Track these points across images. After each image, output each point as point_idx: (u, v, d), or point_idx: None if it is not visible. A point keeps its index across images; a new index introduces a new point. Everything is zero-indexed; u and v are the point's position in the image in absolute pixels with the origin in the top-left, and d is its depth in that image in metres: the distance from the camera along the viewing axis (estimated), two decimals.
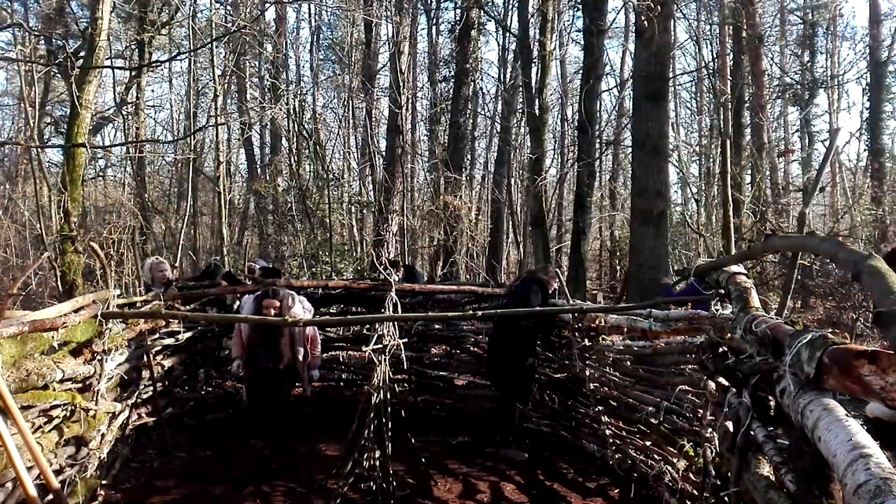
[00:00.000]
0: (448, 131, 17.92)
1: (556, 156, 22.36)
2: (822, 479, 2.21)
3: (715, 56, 18.98)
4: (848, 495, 1.50)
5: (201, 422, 6.52)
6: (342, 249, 17.11)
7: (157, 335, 5.89)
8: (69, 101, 9.18)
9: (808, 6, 19.37)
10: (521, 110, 17.48)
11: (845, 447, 1.64)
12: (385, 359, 5.09)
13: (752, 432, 2.79)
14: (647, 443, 4.83)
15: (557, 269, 7.63)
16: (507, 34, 18.29)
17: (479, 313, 5.70)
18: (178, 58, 16.46)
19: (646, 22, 9.48)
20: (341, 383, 7.98)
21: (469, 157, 21.12)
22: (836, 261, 2.04)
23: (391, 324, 5.29)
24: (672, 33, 15.06)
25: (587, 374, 5.48)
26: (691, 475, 4.19)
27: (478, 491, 4.99)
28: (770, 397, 2.63)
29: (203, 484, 5.06)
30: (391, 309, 5.56)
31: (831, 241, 1.98)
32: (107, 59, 10.15)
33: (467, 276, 17.26)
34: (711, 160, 18.35)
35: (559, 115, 22.88)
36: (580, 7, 15.75)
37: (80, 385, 4.13)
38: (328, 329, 7.71)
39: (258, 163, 22.32)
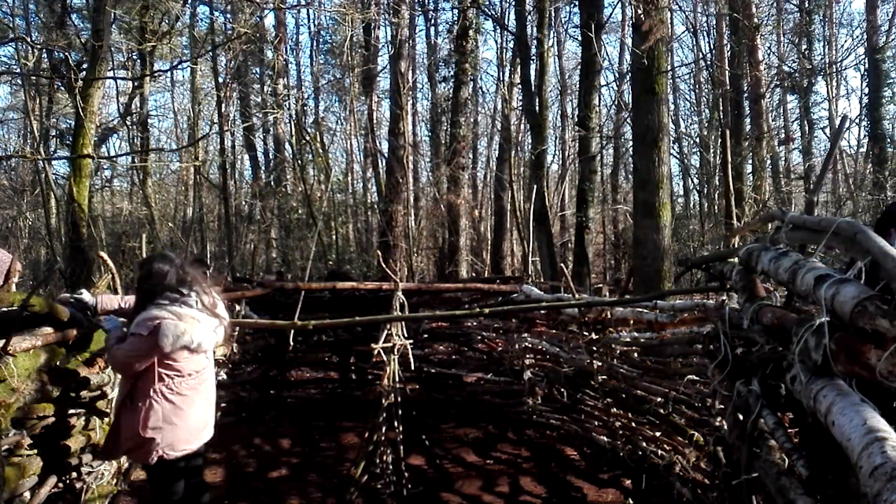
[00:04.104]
0: (449, 131, 17.95)
1: (556, 151, 22.43)
2: (834, 464, 2.25)
3: (712, 47, 18.97)
4: (864, 478, 1.52)
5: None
6: (348, 252, 17.17)
7: None
8: (74, 113, 9.25)
9: None
10: (520, 108, 17.51)
11: (860, 431, 1.66)
12: (395, 358, 5.15)
13: (761, 420, 2.82)
14: (657, 433, 4.88)
15: (562, 266, 7.68)
16: (505, 32, 18.32)
17: (487, 310, 5.76)
18: (180, 66, 16.54)
19: (643, 16, 9.52)
20: (352, 384, 8.04)
21: (471, 155, 21.17)
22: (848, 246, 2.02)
23: (399, 323, 5.34)
24: (669, 26, 15.08)
25: (595, 366, 5.51)
26: (702, 464, 4.23)
27: (496, 483, 5.06)
28: (780, 384, 2.66)
29: (242, 481, 5.20)
30: (398, 309, 5.61)
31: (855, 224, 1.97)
32: (109, 70, 10.22)
33: (472, 274, 17.29)
34: (712, 151, 18.35)
35: (559, 111, 22.95)
36: (577, 3, 15.76)
37: (95, 393, 4.18)
38: (338, 331, 7.76)
39: (262, 168, 22.42)
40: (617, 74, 22.22)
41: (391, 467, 4.87)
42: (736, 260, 3.33)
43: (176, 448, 3.21)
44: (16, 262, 3.56)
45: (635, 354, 5.30)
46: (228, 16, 18.70)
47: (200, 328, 3.24)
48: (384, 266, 5.62)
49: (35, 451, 3.35)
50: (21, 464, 3.23)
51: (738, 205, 11.21)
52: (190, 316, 3.21)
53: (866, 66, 18.49)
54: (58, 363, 3.66)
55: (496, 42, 23.07)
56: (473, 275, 17.03)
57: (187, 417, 3.25)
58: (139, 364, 3.13)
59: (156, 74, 16.13)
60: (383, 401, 5.01)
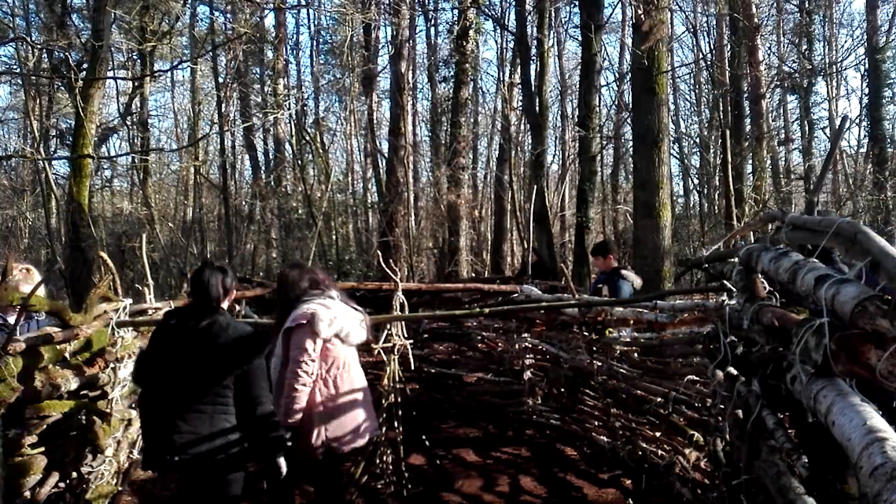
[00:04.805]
0: (449, 131, 17.96)
1: (556, 151, 22.43)
2: (834, 464, 2.25)
3: (713, 47, 18.96)
4: (864, 478, 1.53)
5: None
6: (348, 252, 17.19)
7: None
8: (74, 113, 9.25)
9: None
10: (520, 108, 17.51)
11: (860, 431, 1.66)
12: (395, 358, 5.14)
13: (761, 420, 2.82)
14: (657, 434, 4.87)
15: (562, 266, 7.69)
16: (505, 32, 18.32)
17: (487, 310, 5.76)
18: (180, 66, 16.55)
19: (643, 16, 9.52)
20: None
21: (471, 155, 21.17)
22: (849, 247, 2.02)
23: (399, 323, 5.33)
24: (669, 26, 15.09)
25: (595, 366, 5.51)
26: (702, 464, 4.23)
27: (497, 483, 5.05)
28: (780, 384, 2.66)
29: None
30: (398, 309, 5.60)
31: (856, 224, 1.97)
32: (109, 70, 10.22)
33: (472, 274, 17.30)
34: (712, 151, 18.34)
35: (559, 111, 22.94)
36: (577, 3, 15.75)
37: (95, 393, 4.18)
38: None
39: (262, 168, 22.42)
40: (617, 74, 22.22)
41: (391, 467, 4.87)
42: (736, 260, 3.34)
43: (342, 442, 3.44)
44: (11, 261, 3.62)
45: (635, 354, 5.30)
46: (228, 16, 18.72)
47: (347, 319, 3.56)
48: (384, 266, 5.62)
49: (38, 450, 3.35)
50: (23, 462, 3.23)
51: (738, 205, 11.20)
52: (337, 307, 3.55)
53: (866, 66, 18.49)
54: (66, 357, 3.68)
55: (496, 42, 23.10)
56: (473, 275, 17.03)
57: (347, 410, 3.48)
58: (313, 359, 3.34)
59: (156, 74, 16.15)
60: (383, 401, 5.00)
